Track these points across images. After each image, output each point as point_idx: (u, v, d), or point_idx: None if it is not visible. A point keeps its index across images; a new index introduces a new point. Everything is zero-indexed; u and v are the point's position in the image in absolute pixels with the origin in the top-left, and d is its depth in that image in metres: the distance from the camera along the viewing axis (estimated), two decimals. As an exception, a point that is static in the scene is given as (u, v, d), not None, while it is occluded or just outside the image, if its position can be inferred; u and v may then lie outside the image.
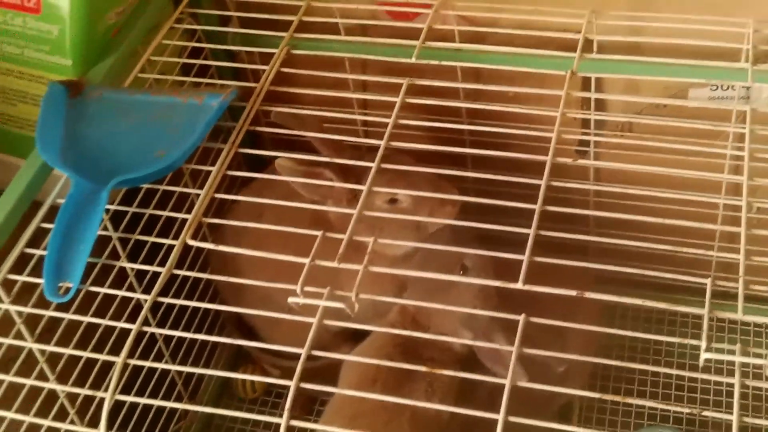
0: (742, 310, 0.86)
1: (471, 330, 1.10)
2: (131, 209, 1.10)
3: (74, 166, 1.03)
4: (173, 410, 1.39)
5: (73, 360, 1.09)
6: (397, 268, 1.05)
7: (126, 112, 1.13)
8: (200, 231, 1.05)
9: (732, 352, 0.83)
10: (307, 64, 1.25)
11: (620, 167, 1.15)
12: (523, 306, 0.89)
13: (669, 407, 0.84)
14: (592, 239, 0.99)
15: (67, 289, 0.95)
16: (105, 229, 1.11)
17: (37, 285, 0.97)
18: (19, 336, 1.03)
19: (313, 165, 1.15)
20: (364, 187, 1.04)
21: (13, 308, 1.00)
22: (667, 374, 1.43)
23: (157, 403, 0.99)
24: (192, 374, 1.47)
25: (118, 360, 0.90)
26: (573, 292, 0.88)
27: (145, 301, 0.96)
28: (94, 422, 0.89)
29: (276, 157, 1.13)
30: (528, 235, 0.93)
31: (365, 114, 1.44)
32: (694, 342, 0.84)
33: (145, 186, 1.15)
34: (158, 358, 1.31)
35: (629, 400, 0.89)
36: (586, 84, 1.27)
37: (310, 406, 1.47)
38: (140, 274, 1.12)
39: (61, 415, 1.12)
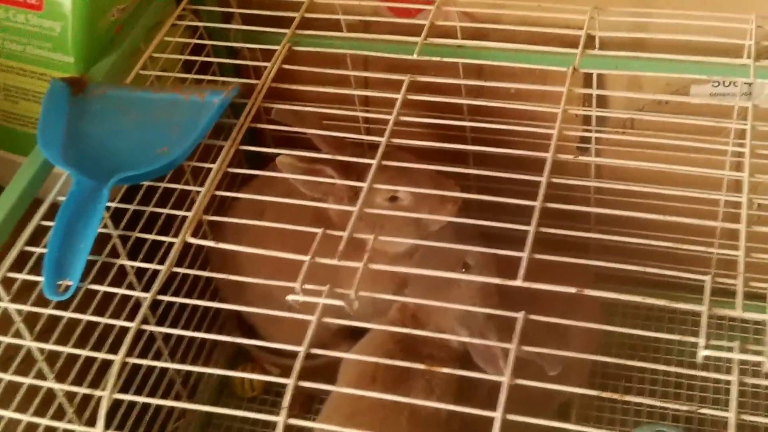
0: (742, 308, 0.86)
1: (467, 328, 1.10)
2: (132, 207, 1.10)
3: (76, 164, 1.02)
4: (172, 409, 1.39)
5: (72, 358, 1.09)
6: (398, 266, 1.04)
7: (128, 109, 1.13)
8: (200, 229, 1.05)
9: (730, 350, 0.83)
10: (308, 60, 1.25)
11: (621, 164, 1.14)
12: (523, 305, 0.89)
13: (667, 405, 0.83)
14: (592, 236, 0.99)
15: (67, 287, 0.94)
16: (105, 226, 1.11)
17: (36, 283, 0.97)
18: (18, 334, 1.03)
19: (314, 162, 1.15)
20: (365, 185, 1.03)
21: (13, 306, 1.00)
22: (665, 371, 1.42)
23: (155, 401, 0.99)
24: (191, 373, 1.46)
25: (117, 358, 0.89)
26: (572, 290, 0.88)
27: (145, 299, 0.95)
28: (92, 421, 0.88)
29: (277, 155, 1.13)
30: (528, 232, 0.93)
31: (367, 111, 1.43)
32: (692, 339, 0.83)
33: (146, 183, 1.15)
34: (157, 356, 1.30)
35: (628, 398, 0.89)
36: (587, 80, 1.27)
37: (309, 404, 1.46)
38: (140, 272, 1.12)
39: (60, 414, 1.12)
